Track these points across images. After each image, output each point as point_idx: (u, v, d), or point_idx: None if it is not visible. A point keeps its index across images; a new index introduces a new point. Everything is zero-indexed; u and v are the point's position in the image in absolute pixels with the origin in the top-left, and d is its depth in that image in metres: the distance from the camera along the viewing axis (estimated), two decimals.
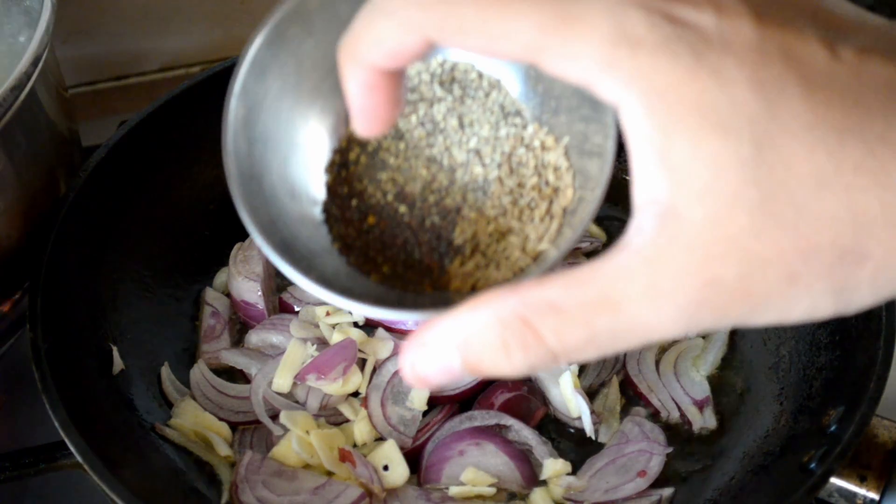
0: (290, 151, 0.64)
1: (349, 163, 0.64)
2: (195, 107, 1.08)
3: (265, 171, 0.62)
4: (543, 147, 0.61)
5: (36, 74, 0.83)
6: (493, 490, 0.87)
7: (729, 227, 0.44)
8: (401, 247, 0.62)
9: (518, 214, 0.60)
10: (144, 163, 1.03)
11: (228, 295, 1.03)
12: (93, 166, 0.96)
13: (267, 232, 0.60)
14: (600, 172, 0.58)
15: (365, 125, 0.54)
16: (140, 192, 1.03)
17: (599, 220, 1.11)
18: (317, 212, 0.64)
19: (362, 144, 0.64)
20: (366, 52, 0.50)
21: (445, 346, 0.50)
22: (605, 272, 0.47)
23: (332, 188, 0.64)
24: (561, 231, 0.59)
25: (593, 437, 0.91)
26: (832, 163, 0.44)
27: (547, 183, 0.60)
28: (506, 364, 0.49)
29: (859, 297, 0.46)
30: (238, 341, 1.01)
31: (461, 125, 0.63)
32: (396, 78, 0.52)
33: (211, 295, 1.03)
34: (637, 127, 0.46)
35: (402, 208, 0.63)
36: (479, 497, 0.86)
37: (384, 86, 0.52)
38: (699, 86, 0.44)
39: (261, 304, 1.00)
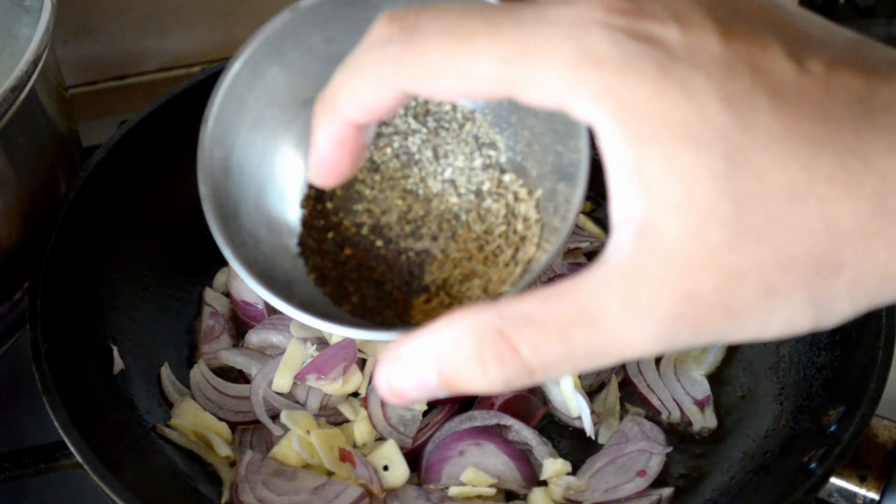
0: (265, 184, 0.65)
1: (325, 196, 0.65)
2: (195, 107, 1.07)
3: (241, 201, 0.63)
4: (517, 198, 0.62)
5: (36, 74, 0.83)
6: (493, 490, 0.87)
7: (705, 241, 0.45)
8: (375, 280, 0.63)
9: (483, 259, 0.61)
10: (144, 163, 1.03)
11: (228, 295, 1.03)
12: (93, 166, 0.96)
13: (246, 260, 0.61)
14: (566, 215, 0.58)
15: (324, 177, 0.55)
16: (140, 192, 1.03)
17: (600, 221, 1.12)
18: (293, 243, 0.64)
19: None
20: (342, 108, 0.50)
21: (421, 361, 0.50)
22: (584, 287, 0.47)
23: (307, 222, 0.65)
24: (522, 276, 0.60)
25: (593, 437, 0.91)
26: (805, 174, 0.44)
27: (515, 231, 0.61)
28: (482, 378, 0.49)
29: (838, 308, 0.46)
30: (238, 341, 1.01)
31: (436, 156, 0.63)
32: (365, 132, 0.53)
33: (211, 295, 1.03)
34: (611, 143, 0.46)
35: (379, 242, 0.63)
36: (479, 497, 0.86)
37: (353, 140, 0.52)
38: (668, 101, 0.44)
39: (261, 304, 1.00)
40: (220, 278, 1.06)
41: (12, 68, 0.81)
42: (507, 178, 0.63)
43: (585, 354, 0.47)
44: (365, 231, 0.64)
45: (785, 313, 0.46)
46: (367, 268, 0.63)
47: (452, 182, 0.63)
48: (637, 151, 0.45)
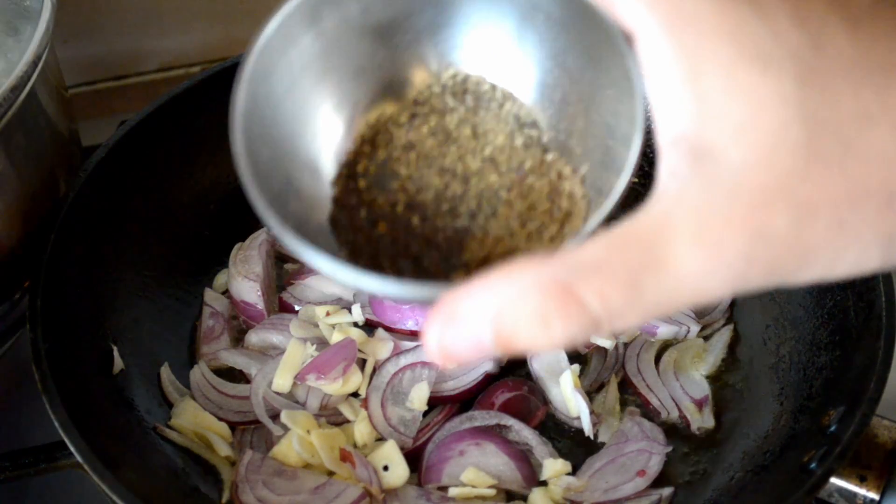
0: (295, 159, 0.61)
1: (357, 175, 0.62)
2: (195, 107, 1.08)
3: (271, 176, 0.60)
4: (560, 176, 0.60)
5: (36, 74, 0.83)
6: (493, 490, 0.87)
7: (774, 171, 0.42)
8: (412, 256, 0.60)
9: (526, 236, 0.59)
10: (144, 163, 1.03)
11: (228, 295, 1.03)
12: (93, 166, 0.96)
13: (280, 217, 0.55)
14: (615, 186, 0.54)
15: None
16: (140, 192, 1.03)
17: (605, 219, 1.12)
18: (324, 219, 0.62)
19: (370, 156, 0.62)
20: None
21: (476, 318, 0.45)
22: (648, 227, 0.44)
23: (339, 199, 0.62)
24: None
25: (592, 437, 0.91)
26: (878, 101, 0.42)
27: (560, 209, 0.59)
28: (543, 336, 0.44)
29: None
30: (238, 341, 1.01)
31: (475, 135, 0.61)
32: None
33: (210, 295, 1.03)
34: (659, 54, 0.43)
35: (415, 219, 0.60)
36: (479, 497, 0.86)
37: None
38: (736, 16, 0.42)
39: (261, 304, 1.00)
40: (220, 278, 1.06)
41: (12, 68, 0.81)
42: (549, 156, 0.60)
43: (655, 301, 0.44)
44: (400, 209, 0.61)
45: (854, 251, 0.43)
46: (403, 245, 0.60)
47: (492, 160, 0.61)
48: (692, 64, 0.42)
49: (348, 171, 0.63)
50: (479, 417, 0.91)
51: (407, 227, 0.61)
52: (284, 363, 0.92)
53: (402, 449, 0.88)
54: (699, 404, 0.94)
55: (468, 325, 0.46)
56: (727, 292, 0.44)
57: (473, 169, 0.61)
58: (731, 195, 0.42)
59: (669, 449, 0.90)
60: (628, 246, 0.44)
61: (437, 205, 0.61)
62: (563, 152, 0.60)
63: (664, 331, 0.98)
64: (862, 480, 0.82)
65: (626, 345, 0.99)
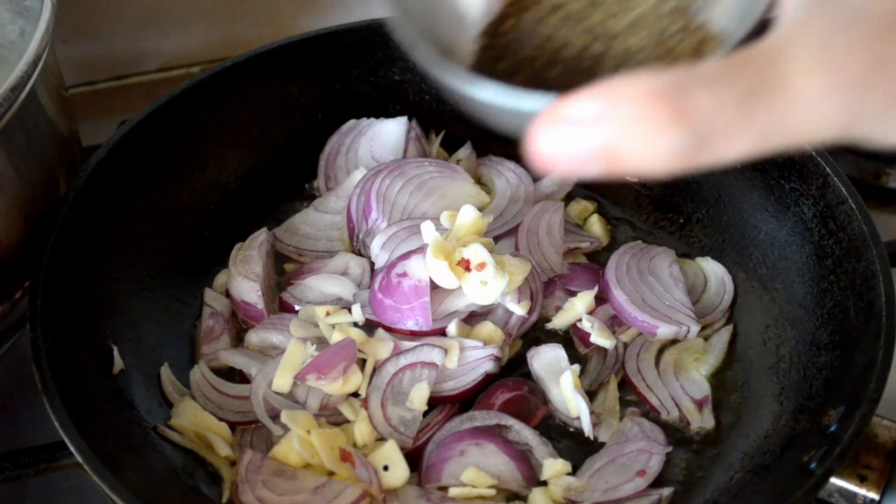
0: (439, 11, 0.62)
1: (501, 32, 0.63)
2: (195, 107, 1.08)
3: (424, 11, 0.60)
4: (704, 40, 0.59)
5: (36, 74, 0.83)
6: (493, 490, 0.87)
7: None
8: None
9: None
10: (144, 163, 1.03)
11: (228, 295, 1.03)
12: (93, 166, 0.96)
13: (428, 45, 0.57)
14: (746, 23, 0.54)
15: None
16: (140, 192, 1.03)
17: (607, 220, 1.12)
18: (463, 70, 0.60)
19: (517, 15, 0.62)
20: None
21: (585, 122, 0.44)
22: (768, 50, 0.43)
23: (482, 51, 0.62)
24: None
25: (591, 438, 0.91)
26: None
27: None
28: (649, 147, 0.43)
29: None
30: (238, 341, 1.01)
31: None
32: None
33: (210, 295, 1.03)
34: None
35: (554, 72, 0.60)
36: (480, 497, 0.86)
37: None
38: None
39: (261, 304, 1.00)
40: (220, 278, 1.06)
41: (12, 68, 0.81)
42: (695, 22, 0.60)
43: (767, 124, 0.43)
44: (539, 63, 0.61)
45: None
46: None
47: (637, 24, 0.60)
48: None
49: (494, 28, 0.63)
50: (479, 417, 0.91)
51: (544, 79, 0.60)
52: (284, 363, 0.92)
53: (402, 449, 0.88)
54: (699, 404, 0.94)
55: (577, 128, 0.44)
56: (839, 126, 0.43)
57: (617, 31, 0.60)
58: (854, 21, 0.42)
59: (669, 449, 0.90)
60: (747, 64, 0.43)
61: (577, 62, 0.60)
62: (708, 18, 0.60)
63: (664, 331, 0.98)
64: (862, 480, 0.82)
65: (625, 345, 0.99)
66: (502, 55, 0.62)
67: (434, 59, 0.55)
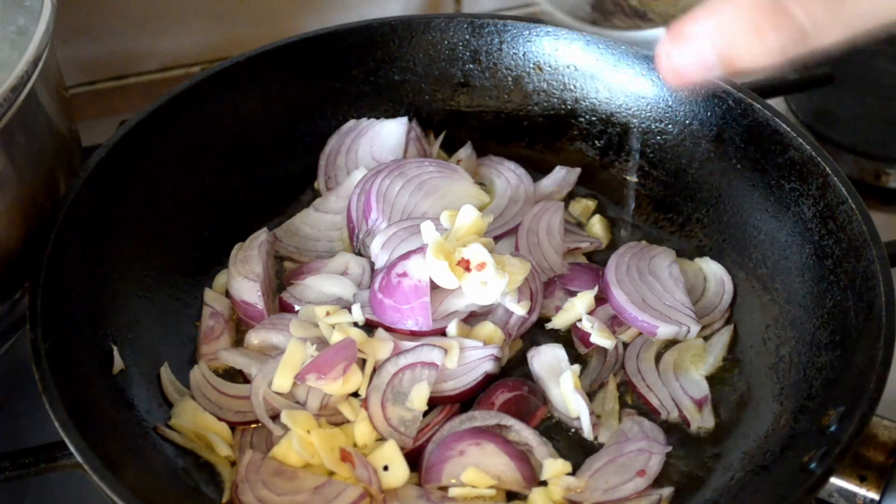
0: None
1: None
2: (195, 107, 1.08)
3: None
4: None
5: (36, 74, 0.83)
6: (493, 490, 0.87)
7: None
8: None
9: None
10: (144, 163, 1.03)
11: (228, 295, 1.03)
12: (93, 166, 0.96)
13: None
14: None
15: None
16: (140, 192, 1.03)
17: (610, 220, 1.12)
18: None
19: None
20: None
21: (701, 36, 0.57)
22: None
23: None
24: None
25: (591, 439, 0.91)
26: None
27: None
28: (759, 47, 0.55)
29: None
30: (238, 341, 1.01)
31: None
32: None
33: (210, 295, 1.03)
34: None
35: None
36: (480, 497, 0.86)
37: None
38: None
39: (261, 304, 1.00)
40: (220, 278, 1.06)
41: (12, 68, 0.81)
42: None
43: (857, 13, 0.53)
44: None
45: None
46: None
47: None
48: None
49: None
50: (479, 417, 0.91)
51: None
52: (284, 363, 0.92)
53: (402, 449, 0.88)
54: (699, 404, 0.94)
55: (694, 42, 0.58)
56: None
57: None
58: None
59: (669, 449, 0.90)
60: None
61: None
62: None
63: (664, 331, 0.98)
64: (862, 480, 0.82)
65: (625, 345, 0.99)
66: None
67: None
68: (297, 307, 1.01)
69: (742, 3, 0.55)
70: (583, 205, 1.13)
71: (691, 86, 0.63)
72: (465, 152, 1.17)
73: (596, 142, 1.17)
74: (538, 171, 1.15)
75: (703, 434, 0.93)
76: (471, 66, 1.18)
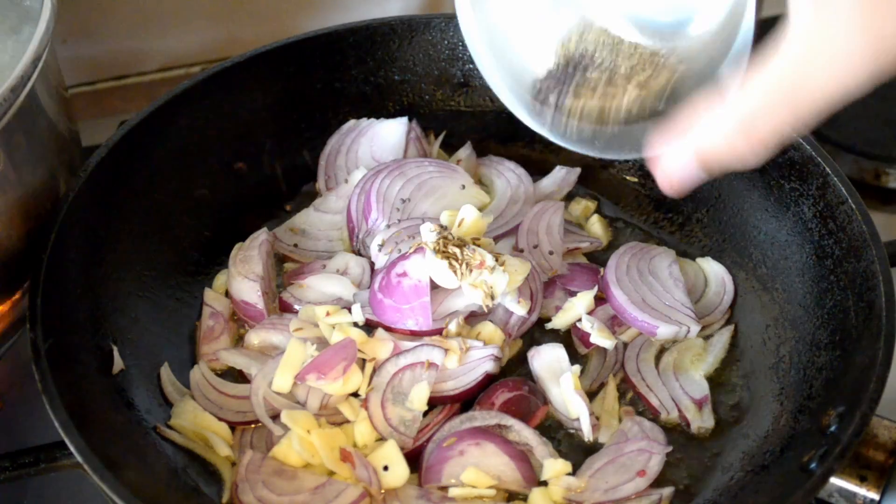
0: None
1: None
2: (195, 107, 1.08)
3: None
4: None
5: (36, 74, 0.83)
6: (493, 490, 0.86)
7: None
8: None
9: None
10: (144, 163, 1.03)
11: (228, 295, 1.03)
12: (93, 166, 0.96)
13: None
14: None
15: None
16: (140, 192, 1.03)
17: (610, 220, 1.12)
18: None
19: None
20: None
21: (687, 156, 0.70)
22: (785, 53, 0.62)
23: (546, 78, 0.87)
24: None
25: (590, 440, 0.91)
26: None
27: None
28: (735, 163, 0.68)
29: None
30: (238, 341, 1.01)
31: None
32: None
33: (210, 295, 1.03)
34: None
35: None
36: (480, 497, 0.86)
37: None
38: None
39: (261, 304, 1.00)
40: (220, 278, 1.06)
41: (12, 68, 0.81)
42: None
43: (808, 103, 0.63)
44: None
45: None
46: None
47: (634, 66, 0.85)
48: None
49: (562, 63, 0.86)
50: (479, 417, 0.91)
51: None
52: (284, 363, 0.92)
53: (402, 449, 0.88)
54: (699, 404, 0.94)
55: (679, 161, 0.71)
56: (869, 56, 0.60)
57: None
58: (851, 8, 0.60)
59: (669, 449, 0.90)
60: (783, 85, 0.63)
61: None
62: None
63: (664, 331, 0.98)
64: (862, 480, 0.82)
65: (625, 345, 0.99)
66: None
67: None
68: (297, 307, 1.01)
69: (717, 134, 0.67)
70: (583, 206, 1.13)
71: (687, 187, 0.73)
72: (465, 152, 1.17)
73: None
74: (538, 171, 1.15)
75: (703, 434, 0.93)
76: (471, 66, 1.18)
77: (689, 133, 0.69)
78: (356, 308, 0.98)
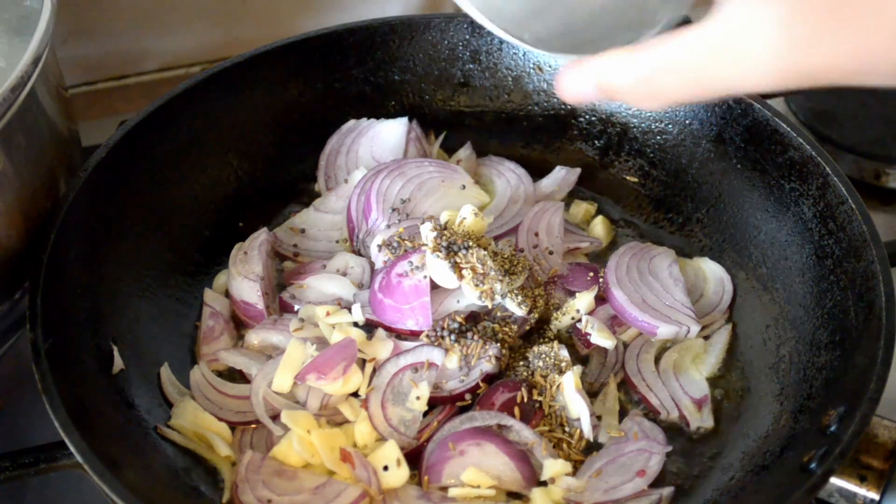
0: None
1: None
2: (195, 107, 1.08)
3: None
4: None
5: (36, 74, 0.83)
6: (493, 490, 0.86)
7: None
8: None
9: None
10: (144, 163, 1.03)
11: (228, 295, 1.03)
12: (93, 166, 0.96)
13: None
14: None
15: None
16: (140, 192, 1.03)
17: (610, 220, 1.12)
18: None
19: None
20: None
21: (589, 80, 0.71)
22: (707, 29, 0.63)
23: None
24: None
25: (591, 439, 0.91)
26: None
27: None
28: (630, 101, 0.71)
29: None
30: (238, 341, 1.01)
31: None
32: None
33: (210, 295, 1.03)
34: None
35: None
36: (480, 497, 0.86)
37: None
38: None
39: (261, 304, 1.00)
40: (220, 279, 1.06)
41: (12, 68, 0.81)
42: None
43: (710, 90, 0.64)
44: None
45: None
46: None
47: None
48: None
49: None
50: (479, 417, 0.91)
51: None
52: (284, 363, 0.92)
53: (402, 449, 0.88)
54: (699, 404, 0.94)
55: (581, 79, 0.72)
56: (780, 66, 0.60)
57: None
58: None
59: (669, 449, 0.90)
60: (690, 63, 0.64)
61: None
62: None
63: (664, 331, 0.98)
64: (862, 480, 0.82)
65: (626, 345, 0.99)
66: None
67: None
68: (297, 307, 1.01)
69: (625, 69, 0.69)
70: (583, 209, 1.13)
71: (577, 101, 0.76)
72: (465, 152, 1.17)
73: (596, 142, 1.17)
74: (538, 171, 1.15)
75: (703, 434, 0.93)
76: (471, 66, 1.18)
77: (600, 61, 0.70)
78: (356, 308, 0.98)
